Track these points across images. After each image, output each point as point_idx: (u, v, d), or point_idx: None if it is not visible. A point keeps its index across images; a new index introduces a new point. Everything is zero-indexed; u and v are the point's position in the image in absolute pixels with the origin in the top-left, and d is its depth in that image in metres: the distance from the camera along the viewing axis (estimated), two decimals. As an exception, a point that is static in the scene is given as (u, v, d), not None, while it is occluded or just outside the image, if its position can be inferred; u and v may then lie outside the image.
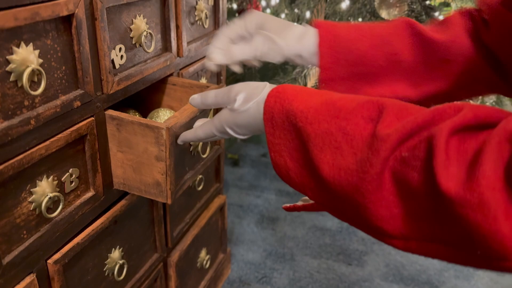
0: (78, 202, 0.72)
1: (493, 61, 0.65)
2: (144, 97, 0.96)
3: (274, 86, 0.55)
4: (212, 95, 0.62)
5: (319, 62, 0.66)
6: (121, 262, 0.85)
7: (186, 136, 0.69)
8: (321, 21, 0.67)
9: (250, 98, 0.55)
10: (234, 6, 1.66)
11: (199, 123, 0.70)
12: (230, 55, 0.66)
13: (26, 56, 0.57)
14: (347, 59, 0.65)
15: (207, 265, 1.25)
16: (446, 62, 0.66)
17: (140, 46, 0.80)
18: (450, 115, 0.40)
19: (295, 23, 0.67)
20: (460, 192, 0.36)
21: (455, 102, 0.42)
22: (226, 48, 0.67)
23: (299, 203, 0.61)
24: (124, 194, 0.84)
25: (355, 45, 0.65)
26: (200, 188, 1.13)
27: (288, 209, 0.63)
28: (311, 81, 1.41)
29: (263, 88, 0.55)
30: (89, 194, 0.75)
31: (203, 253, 1.23)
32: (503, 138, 0.35)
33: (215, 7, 1.07)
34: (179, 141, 0.72)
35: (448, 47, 0.65)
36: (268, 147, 0.53)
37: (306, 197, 0.59)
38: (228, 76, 1.64)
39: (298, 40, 0.65)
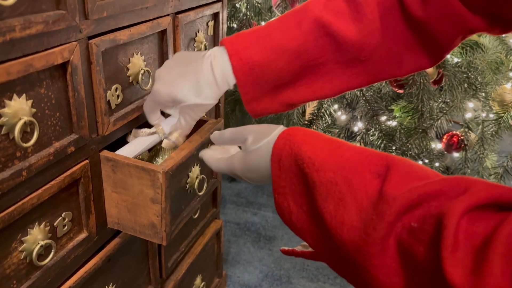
0: (70, 245, 0.71)
1: (419, 38, 0.64)
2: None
3: (285, 128, 0.55)
4: (229, 131, 0.63)
5: (239, 88, 0.66)
6: (114, 299, 0.84)
7: (204, 157, 0.67)
8: (228, 41, 0.66)
9: (262, 137, 0.55)
10: (235, 25, 1.65)
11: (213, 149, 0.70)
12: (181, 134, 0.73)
13: (18, 108, 0.56)
14: (266, 80, 0.66)
15: (202, 291, 1.24)
16: (360, 62, 0.66)
17: (137, 83, 0.79)
18: (461, 188, 0.39)
19: (197, 61, 0.67)
20: (465, 286, 0.34)
21: (465, 176, 0.41)
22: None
23: (299, 248, 0.61)
24: (118, 231, 0.82)
25: (271, 67, 0.65)
26: (196, 216, 1.12)
27: (286, 253, 0.62)
28: (310, 107, 1.41)
29: (275, 129, 0.55)
30: (82, 235, 0.73)
31: (198, 280, 1.22)
32: None
33: (215, 37, 1.06)
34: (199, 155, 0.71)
35: (362, 48, 0.64)
36: (273, 188, 0.52)
37: (306, 243, 0.58)
38: (226, 97, 1.63)
39: (216, 84, 0.66)
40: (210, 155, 0.66)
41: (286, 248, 0.62)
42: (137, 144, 0.77)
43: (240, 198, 2.02)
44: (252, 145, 0.56)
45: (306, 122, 1.41)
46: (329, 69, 0.67)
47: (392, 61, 0.67)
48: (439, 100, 1.34)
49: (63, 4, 0.58)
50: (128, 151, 0.75)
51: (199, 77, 0.66)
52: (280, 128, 0.55)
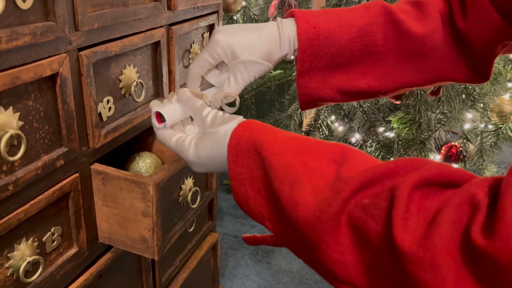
0: (60, 260, 0.70)
1: (464, 49, 0.65)
2: (134, 140, 0.93)
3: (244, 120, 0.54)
4: (193, 100, 0.58)
5: (298, 55, 0.64)
6: (105, 316, 0.82)
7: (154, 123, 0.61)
8: (300, 11, 0.64)
9: (221, 122, 0.54)
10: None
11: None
12: (222, 96, 0.63)
13: (5, 121, 0.55)
14: (326, 51, 0.64)
15: (198, 306, 1.22)
16: (421, 56, 0.65)
17: (130, 95, 0.78)
18: (414, 168, 0.40)
19: (264, 24, 0.64)
20: (414, 249, 0.35)
21: (419, 158, 0.42)
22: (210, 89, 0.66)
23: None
24: (109, 246, 0.81)
25: (335, 37, 0.63)
26: (191, 229, 1.10)
27: (247, 240, 0.60)
28: (307, 119, 1.40)
29: (236, 118, 0.54)
30: (72, 251, 0.72)
31: (193, 295, 1.20)
32: (465, 201, 0.35)
33: (210, 48, 1.05)
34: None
35: (425, 42, 0.64)
36: (229, 175, 0.51)
37: None
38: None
39: (280, 46, 0.63)
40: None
41: (248, 235, 0.60)
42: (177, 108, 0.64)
43: (238, 210, 2.00)
44: (209, 128, 0.54)
45: (303, 134, 1.40)
46: (388, 61, 0.66)
47: (452, 63, 0.66)
48: (437, 111, 1.33)
49: (52, 16, 0.57)
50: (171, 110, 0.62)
51: (261, 34, 0.63)
52: (241, 118, 0.54)
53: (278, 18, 0.65)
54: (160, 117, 0.59)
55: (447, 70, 0.67)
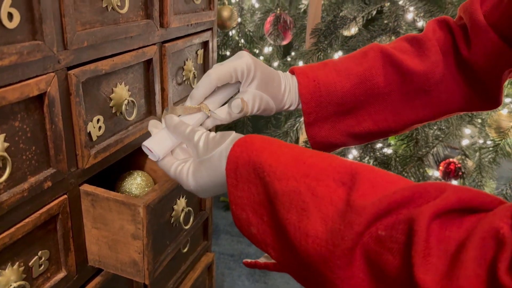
0: (47, 285, 0.67)
1: (471, 77, 0.65)
2: (126, 159, 0.92)
3: (241, 135, 0.51)
4: (181, 127, 0.56)
5: (303, 107, 0.66)
6: None
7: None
8: (299, 68, 0.68)
9: (214, 145, 0.51)
10: (228, 53, 1.64)
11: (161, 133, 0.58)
12: (230, 114, 0.61)
13: (-11, 143, 0.53)
14: (329, 101, 0.66)
15: (193, 329, 1.19)
16: (425, 92, 0.66)
17: (121, 114, 0.76)
18: (431, 195, 0.37)
19: (273, 70, 0.66)
20: None
21: (437, 182, 0.39)
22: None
23: (262, 259, 0.57)
24: (99, 269, 0.78)
25: (336, 87, 0.66)
26: (185, 250, 1.08)
27: (248, 265, 0.59)
28: (303, 135, 1.39)
29: (229, 136, 0.51)
30: (61, 275, 0.69)
31: (188, 317, 1.17)
32: (489, 235, 0.32)
33: (204, 65, 1.05)
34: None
35: (427, 78, 0.65)
36: (229, 199, 0.49)
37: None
38: (219, 125, 1.60)
39: (283, 94, 0.65)
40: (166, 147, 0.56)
41: (249, 261, 0.59)
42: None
43: (234, 228, 1.97)
44: (204, 154, 0.52)
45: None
46: (393, 100, 0.67)
47: (459, 93, 0.67)
48: (434, 127, 1.32)
49: (40, 35, 0.56)
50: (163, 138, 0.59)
51: (275, 79, 0.64)
52: (234, 135, 0.51)
53: (281, 74, 0.67)
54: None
55: (454, 102, 0.68)
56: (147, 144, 0.56)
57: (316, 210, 0.41)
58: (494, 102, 0.68)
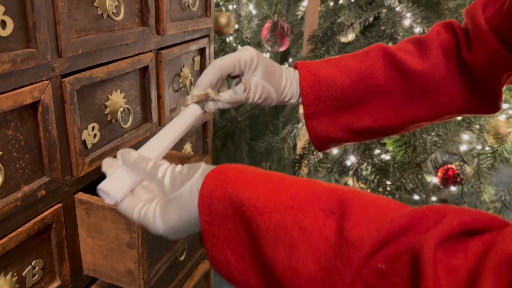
0: (41, 295, 0.66)
1: (471, 81, 0.66)
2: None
3: (212, 166, 0.47)
4: (142, 162, 0.50)
5: (302, 100, 0.68)
6: None
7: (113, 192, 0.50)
8: (301, 62, 0.69)
9: (182, 181, 0.46)
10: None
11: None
12: (234, 96, 0.63)
13: (-19, 152, 0.52)
14: (329, 95, 0.67)
15: (190, 337, 1.18)
16: (425, 93, 0.66)
17: (116, 121, 0.76)
18: (431, 220, 0.35)
19: (275, 63, 0.69)
20: None
21: (434, 205, 0.37)
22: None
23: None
24: (94, 278, 0.78)
25: (335, 82, 0.67)
26: (182, 258, 1.07)
27: None
28: (301, 142, 1.38)
29: (197, 169, 0.47)
30: (55, 284, 0.69)
31: (185, 325, 1.16)
32: (503, 262, 0.30)
33: (201, 72, 1.04)
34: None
35: (427, 78, 0.66)
36: (203, 239, 0.44)
37: None
38: (216, 132, 1.60)
39: (285, 86, 0.67)
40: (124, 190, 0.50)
41: None
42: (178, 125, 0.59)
43: (233, 235, 1.96)
44: (171, 192, 0.47)
45: (297, 157, 1.38)
46: (393, 99, 0.67)
47: (459, 95, 0.67)
48: (432, 134, 1.32)
49: (34, 42, 0.56)
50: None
51: (277, 71, 0.67)
52: (204, 168, 0.47)
53: (284, 67, 0.69)
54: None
55: (454, 103, 0.68)
56: (104, 186, 0.49)
57: (305, 245, 0.38)
58: (493, 106, 0.68)
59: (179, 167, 0.49)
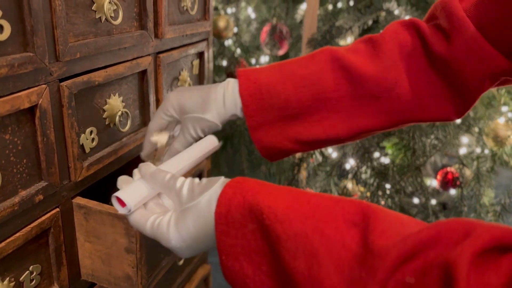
0: (38, 301, 0.66)
1: (445, 77, 0.60)
2: (121, 170, 0.91)
3: (230, 179, 0.47)
4: (160, 174, 0.50)
5: (244, 111, 0.63)
6: None
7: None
8: (242, 69, 0.65)
9: (201, 191, 0.46)
10: (224, 62, 1.64)
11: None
12: (175, 153, 0.64)
13: (-22, 156, 0.52)
14: (272, 103, 0.62)
15: None
16: (376, 99, 0.61)
17: (115, 125, 0.75)
18: (459, 233, 0.34)
19: (214, 84, 0.67)
20: None
21: (460, 219, 0.35)
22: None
23: None
24: (93, 283, 0.77)
25: (278, 89, 0.62)
26: (181, 262, 1.06)
27: None
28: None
29: (217, 181, 0.46)
30: (52, 289, 0.68)
31: (184, 330, 1.15)
32: None
33: (200, 76, 1.04)
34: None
35: (378, 82, 0.61)
36: (218, 249, 0.43)
37: None
38: (215, 135, 1.59)
39: (224, 104, 0.64)
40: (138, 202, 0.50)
41: None
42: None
43: (232, 238, 1.95)
44: (188, 201, 0.46)
45: (296, 161, 1.38)
46: (342, 106, 0.62)
47: (413, 102, 0.62)
48: (432, 136, 1.32)
49: (31, 47, 0.55)
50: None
51: (210, 93, 0.64)
52: (224, 180, 0.46)
53: (228, 79, 0.66)
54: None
55: (409, 110, 0.63)
56: (119, 194, 0.50)
57: (327, 255, 0.37)
58: (461, 110, 0.63)
59: (197, 179, 0.48)
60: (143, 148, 0.68)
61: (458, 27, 0.57)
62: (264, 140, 0.64)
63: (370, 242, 0.36)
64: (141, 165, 0.53)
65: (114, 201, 0.50)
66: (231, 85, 0.64)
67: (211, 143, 0.63)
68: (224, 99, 0.64)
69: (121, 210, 0.50)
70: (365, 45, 0.63)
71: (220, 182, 0.46)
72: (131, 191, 0.50)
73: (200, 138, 0.65)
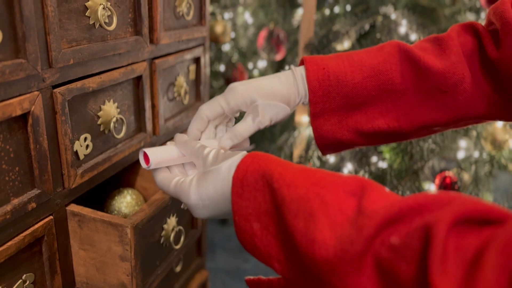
0: (31, 310, 0.65)
1: (497, 80, 0.61)
2: (117, 176, 0.90)
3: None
4: (191, 142, 0.57)
5: (309, 96, 0.63)
6: None
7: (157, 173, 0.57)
8: (309, 56, 0.65)
9: (225, 158, 0.51)
10: (222, 68, 1.64)
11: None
12: (237, 136, 0.61)
13: (-31, 165, 0.51)
14: (338, 92, 0.63)
15: None
16: (442, 93, 0.62)
17: (109, 132, 0.75)
18: (445, 202, 0.36)
19: (279, 73, 0.65)
20: None
21: (447, 191, 0.38)
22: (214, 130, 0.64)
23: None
24: (88, 291, 0.76)
25: (346, 77, 0.62)
26: (178, 269, 1.05)
27: (251, 284, 0.54)
28: (298, 150, 1.37)
29: (240, 152, 0.51)
30: (46, 298, 0.67)
31: (181, 337, 1.14)
32: (510, 243, 0.30)
33: (197, 81, 1.04)
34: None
35: (445, 77, 0.61)
36: (233, 210, 0.47)
37: None
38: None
39: (297, 90, 0.63)
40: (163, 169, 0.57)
41: (251, 278, 0.54)
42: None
43: (230, 243, 1.95)
44: (211, 165, 0.51)
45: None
46: (407, 99, 0.63)
47: (479, 98, 0.63)
48: (429, 141, 1.31)
49: (23, 53, 0.55)
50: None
51: (281, 78, 0.63)
52: (245, 152, 0.51)
53: (292, 66, 0.65)
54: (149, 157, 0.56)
55: (473, 107, 0.63)
56: (146, 150, 0.56)
57: (324, 216, 0.40)
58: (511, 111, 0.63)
59: (222, 150, 0.54)
60: (191, 124, 0.62)
61: (508, 31, 0.58)
62: (324, 128, 0.65)
63: (363, 207, 0.39)
64: (177, 134, 0.59)
65: (140, 155, 0.57)
66: (298, 71, 0.64)
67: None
68: (297, 85, 0.63)
69: (143, 165, 0.57)
70: (431, 43, 0.64)
71: (242, 153, 0.50)
72: (158, 151, 0.56)
73: (267, 126, 0.63)
